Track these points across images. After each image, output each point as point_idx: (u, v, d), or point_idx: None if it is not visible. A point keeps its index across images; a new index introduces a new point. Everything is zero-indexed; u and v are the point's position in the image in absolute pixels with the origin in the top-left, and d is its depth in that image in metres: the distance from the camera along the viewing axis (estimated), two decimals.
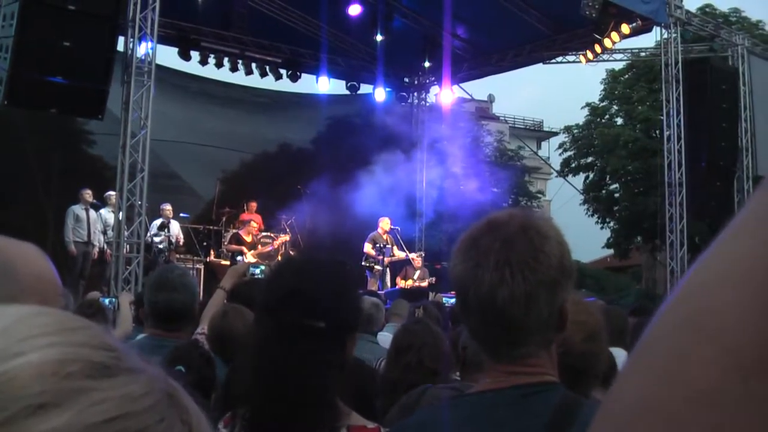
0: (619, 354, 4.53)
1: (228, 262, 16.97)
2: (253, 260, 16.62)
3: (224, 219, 18.40)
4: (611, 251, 40.15)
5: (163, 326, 4.09)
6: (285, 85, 22.37)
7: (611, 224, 37.02)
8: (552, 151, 46.66)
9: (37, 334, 0.67)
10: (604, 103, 37.73)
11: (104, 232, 15.82)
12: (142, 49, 13.27)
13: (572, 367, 2.74)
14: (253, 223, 17.57)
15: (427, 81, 23.96)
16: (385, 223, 17.88)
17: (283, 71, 21.74)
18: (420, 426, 1.91)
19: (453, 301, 11.14)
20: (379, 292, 15.67)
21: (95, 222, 15.91)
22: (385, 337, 5.92)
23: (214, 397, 3.94)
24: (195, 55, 20.13)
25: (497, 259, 1.72)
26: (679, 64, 18.00)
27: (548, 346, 1.81)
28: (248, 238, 17.28)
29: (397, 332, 4.72)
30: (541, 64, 21.90)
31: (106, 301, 10.19)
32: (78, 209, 15.82)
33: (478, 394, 1.82)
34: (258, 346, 2.21)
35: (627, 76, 36.19)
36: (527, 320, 1.73)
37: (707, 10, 32.15)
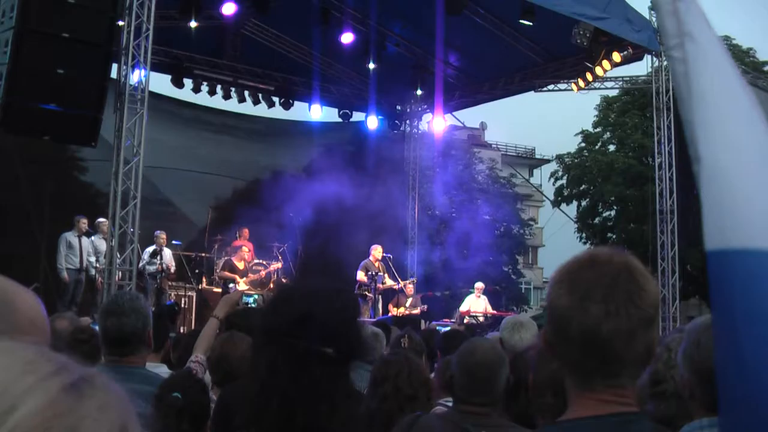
0: None
1: (220, 290, 16.95)
2: (245, 287, 16.59)
3: (216, 246, 18.39)
4: None
5: (116, 352, 4.06)
6: (277, 112, 22.42)
7: None
8: (544, 178, 46.76)
9: None
10: (597, 130, 37.86)
11: (96, 259, 15.79)
12: (136, 76, 13.28)
13: None
14: (245, 249, 17.55)
15: (420, 109, 24.04)
16: (377, 251, 17.90)
17: (275, 99, 21.78)
18: None
19: (446, 329, 11.14)
20: (370, 319, 15.68)
21: (87, 249, 15.88)
22: None
23: (209, 423, 3.96)
24: (188, 82, 20.19)
25: (605, 293, 1.77)
26: (671, 92, 18.08)
27: (635, 379, 1.89)
28: (240, 265, 17.25)
29: (374, 365, 4.73)
30: (532, 91, 22.00)
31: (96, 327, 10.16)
32: (71, 236, 15.78)
33: (575, 421, 1.85)
34: (265, 371, 2.18)
35: (619, 103, 36.37)
36: (626, 355, 1.78)
37: None
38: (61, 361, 0.87)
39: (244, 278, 17.08)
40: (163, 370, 5.16)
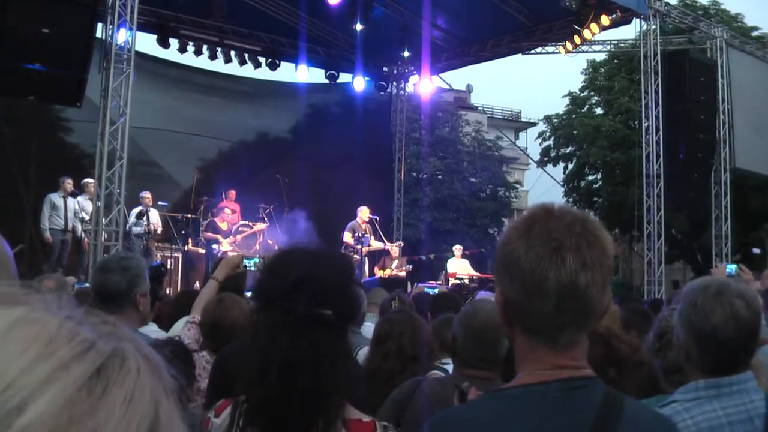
0: None
1: (204, 251, 16.94)
2: (228, 248, 16.55)
3: (202, 207, 18.33)
4: None
5: (103, 307, 4.02)
6: (264, 73, 22.30)
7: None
8: (530, 142, 46.77)
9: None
10: (584, 94, 37.80)
11: (82, 220, 15.73)
12: (122, 36, 13.18)
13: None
14: (227, 210, 17.48)
15: (407, 70, 23.97)
16: (364, 213, 17.89)
17: (262, 59, 21.69)
18: (465, 422, 1.85)
19: (435, 291, 11.16)
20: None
21: (72, 209, 15.81)
22: (368, 328, 5.86)
23: (195, 386, 3.97)
24: (174, 42, 20.01)
25: (577, 243, 1.71)
26: (658, 56, 18.10)
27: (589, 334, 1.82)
28: (224, 226, 17.22)
29: (378, 322, 4.71)
30: (520, 54, 21.95)
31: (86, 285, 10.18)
32: (56, 197, 15.70)
33: (523, 387, 1.79)
34: (265, 335, 2.18)
35: (607, 67, 36.31)
36: (599, 306, 1.74)
37: (688, 1, 32.32)
38: (87, 336, 0.72)
39: (228, 239, 17.07)
40: (152, 329, 5.17)
